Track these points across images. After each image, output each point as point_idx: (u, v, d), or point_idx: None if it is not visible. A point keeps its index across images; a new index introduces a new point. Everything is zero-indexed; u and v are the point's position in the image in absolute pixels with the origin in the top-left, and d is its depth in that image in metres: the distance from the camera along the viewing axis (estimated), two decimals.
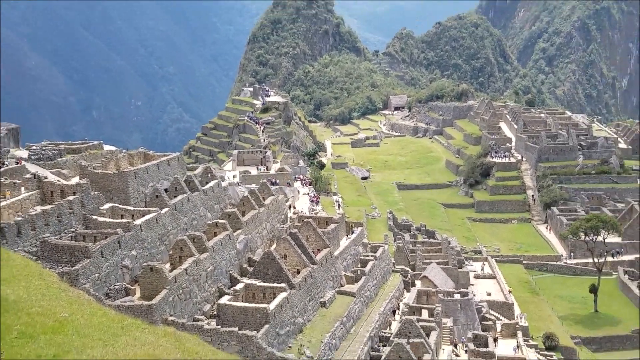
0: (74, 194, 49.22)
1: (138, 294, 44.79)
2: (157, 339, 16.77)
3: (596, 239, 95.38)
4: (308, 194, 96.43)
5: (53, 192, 49.73)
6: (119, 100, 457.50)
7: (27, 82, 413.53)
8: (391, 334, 57.83)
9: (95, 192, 51.17)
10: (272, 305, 46.58)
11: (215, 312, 47.33)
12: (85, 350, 15.79)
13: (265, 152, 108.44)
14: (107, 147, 67.33)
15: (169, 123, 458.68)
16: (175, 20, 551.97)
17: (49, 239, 44.04)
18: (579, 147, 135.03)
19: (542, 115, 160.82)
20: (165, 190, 55.29)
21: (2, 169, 50.98)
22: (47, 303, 18.94)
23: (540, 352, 71.67)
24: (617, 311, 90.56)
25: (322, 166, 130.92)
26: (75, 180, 53.98)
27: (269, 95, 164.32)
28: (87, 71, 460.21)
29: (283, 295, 48.49)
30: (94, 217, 48.63)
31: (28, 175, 50.54)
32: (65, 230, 46.66)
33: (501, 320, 73.11)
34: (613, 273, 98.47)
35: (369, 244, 74.36)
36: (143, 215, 50.26)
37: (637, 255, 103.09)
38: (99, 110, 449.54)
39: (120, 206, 51.38)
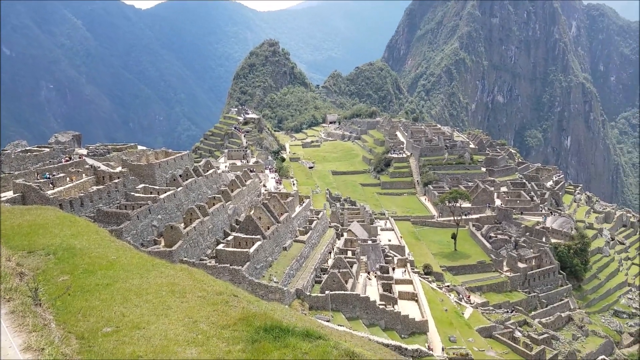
0: (118, 178, 48.23)
1: (163, 244, 43.93)
2: (176, 273, 16.67)
3: (455, 204, 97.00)
4: (274, 178, 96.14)
5: (104, 177, 48.71)
6: (147, 116, 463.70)
7: (85, 104, 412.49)
8: (328, 266, 58.03)
9: (133, 177, 50.16)
10: (251, 250, 46.40)
11: (214, 255, 46.90)
12: (128, 280, 15.70)
13: (246, 151, 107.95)
14: (140, 147, 65.81)
15: (182, 131, 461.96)
16: (185, 64, 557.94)
17: (102, 208, 42.87)
18: (445, 147, 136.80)
19: (423, 127, 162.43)
20: (180, 175, 54.54)
21: (70, 162, 50.23)
22: (102, 250, 18.64)
23: (421, 276, 72.70)
24: (468, 249, 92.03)
25: (283, 160, 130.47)
26: (119, 169, 52.93)
27: (248, 114, 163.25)
28: (125, 97, 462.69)
29: (258, 243, 48.32)
30: (132, 193, 47.60)
31: (87, 166, 49.55)
32: (113, 202, 45.53)
33: (397, 256, 73.98)
34: (465, 226, 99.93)
35: (314, 210, 74.56)
36: (165, 192, 49.40)
37: (480, 215, 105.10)
38: (134, 122, 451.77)
39: (149, 186, 50.42)
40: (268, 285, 43.52)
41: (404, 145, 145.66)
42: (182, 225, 46.95)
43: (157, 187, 50.65)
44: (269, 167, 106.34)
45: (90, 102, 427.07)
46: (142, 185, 50.07)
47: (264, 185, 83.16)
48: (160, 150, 62.52)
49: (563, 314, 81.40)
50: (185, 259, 41.42)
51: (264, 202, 58.32)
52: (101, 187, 45.55)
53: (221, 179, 63.86)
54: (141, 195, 47.83)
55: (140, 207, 44.45)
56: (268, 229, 53.17)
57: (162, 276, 16.05)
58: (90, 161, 52.83)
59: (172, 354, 11.09)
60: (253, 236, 49.57)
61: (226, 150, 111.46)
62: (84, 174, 48.01)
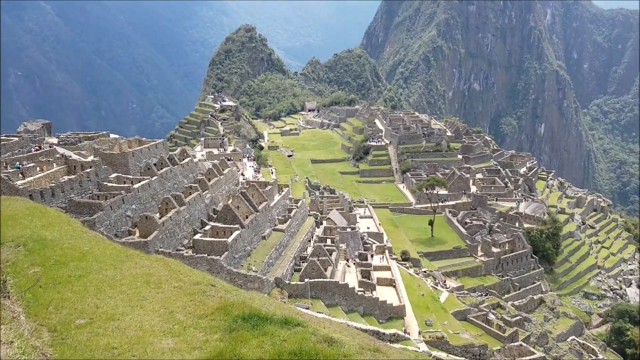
0: (90, 167, 47.27)
1: (138, 234, 43.34)
2: (151, 263, 16.46)
3: (432, 191, 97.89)
4: (252, 166, 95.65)
5: (76, 166, 47.59)
6: (119, 104, 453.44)
7: (55, 91, 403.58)
8: (308, 254, 58.13)
9: (105, 166, 49.17)
10: (229, 239, 46.13)
11: (191, 245, 46.49)
12: (102, 271, 15.39)
13: (223, 139, 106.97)
14: (112, 136, 64.51)
15: (156, 119, 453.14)
16: (159, 49, 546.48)
17: (74, 198, 42.05)
18: (422, 135, 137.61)
19: (401, 115, 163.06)
20: (154, 164, 53.62)
21: (40, 151, 48.93)
22: (74, 241, 18.28)
23: (399, 262, 73.40)
24: (444, 236, 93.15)
25: (261, 148, 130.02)
26: (91, 158, 51.81)
27: (225, 101, 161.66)
28: (97, 84, 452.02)
29: (237, 232, 48.06)
30: (105, 183, 46.74)
31: (58, 155, 48.39)
32: (85, 192, 44.68)
33: (376, 243, 74.49)
34: (442, 212, 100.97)
35: (293, 198, 74.44)
36: (139, 182, 48.58)
37: (457, 201, 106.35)
38: (106, 110, 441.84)
39: (123, 175, 49.51)
40: (247, 275, 43.40)
41: (383, 133, 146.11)
42: (158, 215, 46.32)
43: (130, 177, 49.66)
44: (247, 155, 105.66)
45: (60, 90, 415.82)
46: (115, 174, 49.08)
47: (242, 174, 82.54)
48: (133, 139, 61.37)
49: (535, 297, 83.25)
50: (161, 249, 40.96)
51: (242, 191, 57.93)
52: (73, 176, 44.61)
53: (198, 168, 63.08)
54: (114, 185, 46.85)
55: (114, 197, 43.55)
56: (246, 218, 52.89)
57: (137, 267, 15.85)
58: (61, 150, 51.55)
59: (148, 345, 10.99)
60: (231, 225, 49.24)
61: (202, 139, 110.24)
62: (54, 164, 46.88)
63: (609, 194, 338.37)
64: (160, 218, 45.00)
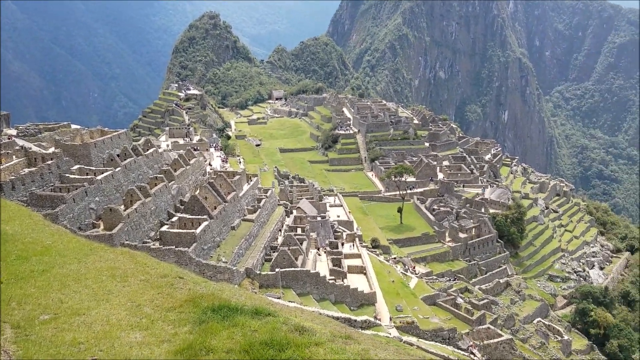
0: (52, 159, 45.88)
1: (102, 227, 42.44)
2: (116, 256, 16.15)
3: (401, 179, 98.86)
4: (220, 156, 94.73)
5: (36, 158, 46.07)
6: (80, 93, 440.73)
7: (12, 81, 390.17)
8: (278, 244, 58.04)
9: (67, 158, 47.80)
10: (198, 230, 45.67)
11: (158, 237, 45.83)
12: (65, 265, 15.03)
13: (189, 129, 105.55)
14: (74, 126, 62.72)
15: (118, 109, 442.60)
16: (120, 37, 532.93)
17: (35, 191, 40.85)
18: (390, 123, 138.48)
19: (369, 103, 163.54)
20: (118, 155, 52.51)
21: None
22: (36, 235, 17.77)
23: (369, 249, 74.02)
24: (413, 222, 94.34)
25: (228, 137, 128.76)
26: (52, 149, 50.37)
27: (190, 89, 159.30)
28: (56, 73, 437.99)
29: (205, 223, 47.59)
30: (67, 175, 45.49)
31: (17, 147, 46.69)
32: (47, 185, 43.43)
33: (346, 232, 74.90)
34: (410, 200, 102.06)
35: (262, 188, 74.09)
36: (102, 173, 47.48)
37: (424, 188, 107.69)
38: (67, 100, 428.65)
39: (85, 167, 48.27)
40: (216, 266, 43.06)
41: (351, 121, 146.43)
42: (122, 207, 45.42)
43: (93, 168, 48.45)
44: (214, 145, 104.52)
45: (18, 79, 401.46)
46: (77, 166, 47.80)
47: (210, 164, 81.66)
48: (95, 129, 59.85)
49: (501, 280, 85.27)
50: (127, 242, 40.23)
51: (209, 182, 57.29)
52: (33, 169, 43.26)
53: (163, 158, 62.03)
54: (76, 176, 45.61)
55: (76, 189, 42.47)
56: (215, 208, 52.39)
57: (102, 260, 15.53)
58: (20, 142, 49.86)
59: (115, 339, 10.77)
60: (199, 216, 48.70)
61: (167, 128, 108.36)
62: (14, 156, 45.29)
63: (571, 179, 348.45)
64: (125, 210, 44.13)
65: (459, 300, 67.23)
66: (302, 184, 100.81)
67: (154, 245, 42.52)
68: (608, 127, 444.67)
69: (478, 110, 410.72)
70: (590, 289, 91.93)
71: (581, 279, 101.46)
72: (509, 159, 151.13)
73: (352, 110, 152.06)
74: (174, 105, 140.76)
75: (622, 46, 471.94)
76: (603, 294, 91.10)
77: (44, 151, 48.56)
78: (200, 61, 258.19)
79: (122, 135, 58.80)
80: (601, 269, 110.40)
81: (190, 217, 48.62)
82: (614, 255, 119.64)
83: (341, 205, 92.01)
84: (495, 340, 56.44)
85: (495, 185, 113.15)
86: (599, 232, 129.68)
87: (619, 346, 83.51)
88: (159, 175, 53.61)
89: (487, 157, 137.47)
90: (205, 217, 48.59)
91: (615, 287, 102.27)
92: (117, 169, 49.13)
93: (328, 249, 64.06)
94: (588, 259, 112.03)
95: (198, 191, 56.21)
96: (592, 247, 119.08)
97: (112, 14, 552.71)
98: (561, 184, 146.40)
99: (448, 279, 77.91)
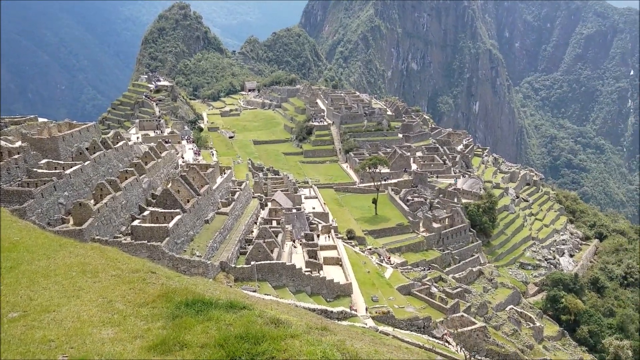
0: (18, 153, 44.70)
1: (72, 222, 41.58)
2: (86, 252, 15.84)
3: (375, 170, 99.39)
4: (192, 148, 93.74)
5: (2, 153, 44.81)
6: (47, 86, 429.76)
7: None
8: (253, 237, 57.84)
9: (34, 152, 46.65)
10: (170, 224, 45.15)
11: (130, 232, 45.15)
12: (34, 261, 14.72)
13: (160, 121, 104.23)
14: (41, 119, 61.21)
15: (87, 101, 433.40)
16: (87, 27, 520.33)
17: (2, 186, 39.75)
18: (364, 114, 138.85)
19: (342, 94, 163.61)
20: (87, 148, 51.46)
21: None
22: (3, 231, 17.30)
23: (344, 241, 74.34)
24: (388, 213, 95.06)
25: (201, 130, 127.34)
26: (18, 144, 49.02)
27: (160, 81, 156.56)
28: (22, 65, 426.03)
29: (178, 217, 47.09)
30: (35, 169, 44.39)
31: None
32: (14, 180, 42.30)
33: (321, 223, 75.01)
34: (385, 191, 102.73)
35: (236, 181, 73.67)
36: (71, 167, 46.47)
37: (398, 179, 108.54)
38: (33, 93, 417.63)
39: (53, 161, 47.17)
40: (190, 260, 42.65)
41: (325, 113, 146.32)
42: (92, 201, 44.57)
43: (61, 162, 47.34)
44: (186, 137, 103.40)
45: None
46: (45, 160, 46.67)
47: (182, 157, 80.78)
48: (63, 122, 58.51)
49: (474, 269, 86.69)
50: (97, 237, 39.57)
51: (182, 175, 56.56)
52: None
53: (133, 151, 61.07)
54: (44, 171, 44.54)
55: (44, 184, 41.49)
56: (188, 202, 51.83)
57: (72, 256, 15.21)
58: None
59: (86, 336, 10.55)
60: (172, 210, 48.13)
61: (137, 121, 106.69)
62: None
63: (541, 168, 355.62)
64: (95, 205, 43.32)
65: (433, 290, 68.12)
66: (277, 176, 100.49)
67: (125, 240, 41.91)
68: (576, 117, 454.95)
69: (450, 101, 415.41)
70: (560, 276, 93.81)
71: (552, 266, 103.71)
72: (480, 150, 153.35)
73: (326, 101, 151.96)
74: (143, 97, 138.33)
75: (590, 37, 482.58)
76: (573, 281, 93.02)
77: (11, 145, 47.23)
78: (171, 52, 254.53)
79: (91, 128, 57.65)
80: (571, 256, 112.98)
81: (163, 211, 48.02)
82: (583, 242, 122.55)
83: (316, 197, 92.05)
84: (469, 328, 57.39)
85: (467, 176, 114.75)
86: (568, 220, 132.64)
87: (589, 332, 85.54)
88: (129, 169, 52.79)
89: (459, 147, 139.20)
90: (178, 210, 48.04)
91: (584, 274, 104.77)
92: (86, 163, 48.17)
93: (304, 240, 64.09)
94: (558, 246, 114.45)
95: (170, 184, 55.47)
96: (562, 235, 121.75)
97: (79, 4, 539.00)
98: (531, 174, 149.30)
99: (422, 268, 78.82)
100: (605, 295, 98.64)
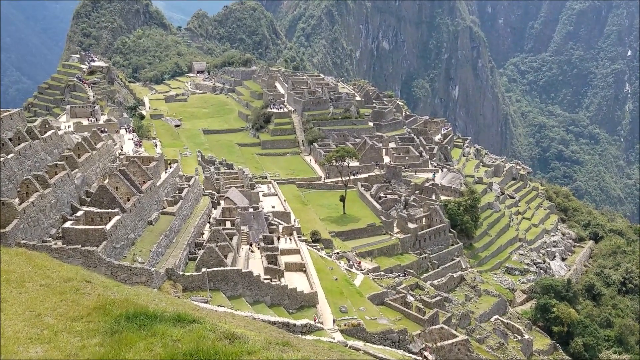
0: None
1: None
2: (11, 258, 15.59)
3: (343, 163, 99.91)
4: (132, 139, 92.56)
5: None
6: None
7: None
8: (204, 240, 57.60)
9: None
10: (108, 226, 44.59)
11: (61, 234, 44.39)
12: None
13: (94, 107, 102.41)
14: None
15: (9, 84, 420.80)
16: (9, 1, 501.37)
17: None
18: (330, 100, 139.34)
19: (304, 77, 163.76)
20: (10, 139, 50.17)
21: None
22: None
23: (309, 244, 74.63)
24: (357, 212, 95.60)
25: (142, 117, 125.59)
26: None
27: (94, 61, 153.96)
28: None
29: (117, 218, 46.51)
30: None
31: None
32: None
33: (282, 224, 75.13)
34: (354, 187, 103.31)
35: (184, 176, 73.12)
36: None
37: (369, 174, 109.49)
38: None
39: None
40: (131, 267, 42.25)
41: (285, 98, 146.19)
42: (17, 200, 43.59)
43: None
44: (125, 126, 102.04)
45: None
46: None
47: (120, 149, 79.81)
48: None
49: (455, 275, 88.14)
50: (24, 241, 38.80)
51: (121, 169, 55.90)
52: None
53: (64, 142, 59.94)
54: None
55: None
56: (128, 200, 51.25)
57: None
58: None
59: (12, 355, 10.39)
60: (109, 210, 47.55)
61: (68, 107, 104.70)
62: None
63: (529, 161, 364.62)
64: (20, 204, 42.43)
65: (410, 299, 69.10)
66: (231, 170, 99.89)
67: (55, 244, 41.16)
68: (568, 103, 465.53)
69: (426, 85, 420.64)
70: (551, 282, 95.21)
71: (541, 271, 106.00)
72: (460, 140, 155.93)
73: (286, 85, 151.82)
74: (75, 79, 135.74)
75: (582, 12, 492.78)
76: (566, 288, 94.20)
77: None
78: (106, 28, 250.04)
79: (15, 115, 56.22)
80: (563, 259, 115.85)
81: (99, 210, 47.39)
82: (577, 244, 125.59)
83: (276, 194, 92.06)
84: (450, 341, 58.36)
85: (446, 170, 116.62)
86: (559, 220, 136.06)
87: (584, 345, 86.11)
88: (59, 163, 51.76)
89: (437, 137, 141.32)
90: (116, 210, 47.47)
91: (578, 279, 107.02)
92: (9, 156, 47.02)
93: (262, 244, 64.11)
94: (548, 249, 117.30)
95: (107, 180, 54.63)
96: (553, 235, 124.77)
97: None
98: (518, 167, 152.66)
99: (397, 274, 79.75)
100: (601, 303, 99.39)
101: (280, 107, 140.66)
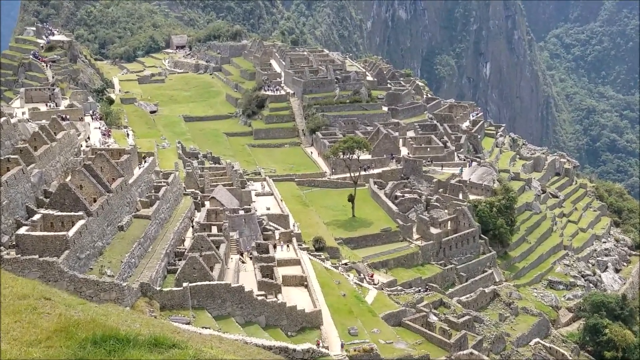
0: None
1: None
2: None
3: (352, 157, 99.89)
4: (99, 128, 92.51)
5: None
6: None
7: None
8: (185, 249, 57.62)
9: None
10: (71, 233, 44.63)
11: (14, 243, 44.43)
12: None
13: (54, 90, 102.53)
14: None
15: None
16: None
17: None
18: (336, 80, 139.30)
19: (305, 53, 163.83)
20: None
21: None
22: None
23: (311, 253, 74.64)
24: (369, 214, 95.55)
25: (111, 102, 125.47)
26: None
27: (53, 35, 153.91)
28: None
29: (81, 222, 46.58)
30: None
31: None
32: None
33: (279, 229, 75.16)
34: (365, 184, 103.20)
35: (161, 172, 73.18)
36: None
37: (383, 169, 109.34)
38: None
39: None
40: (99, 281, 42.33)
41: (282, 78, 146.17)
42: None
43: None
44: (91, 112, 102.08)
45: None
46: None
47: (85, 140, 79.91)
48: None
49: (487, 290, 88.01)
50: None
51: (85, 164, 56.00)
52: None
53: (17, 132, 59.92)
54: None
55: None
56: (94, 201, 51.39)
57: None
58: None
59: None
60: (72, 213, 47.66)
61: (22, 90, 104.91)
62: None
63: (575, 153, 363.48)
64: None
65: (433, 318, 69.02)
66: (217, 165, 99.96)
67: (8, 254, 41.30)
68: (622, 83, 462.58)
69: (451, 62, 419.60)
70: (603, 298, 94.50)
71: (591, 285, 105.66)
72: (493, 128, 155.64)
73: (284, 63, 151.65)
74: (31, 56, 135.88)
75: None
76: (620, 305, 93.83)
77: None
78: None
79: None
80: (617, 271, 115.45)
81: (60, 214, 47.49)
82: (633, 252, 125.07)
83: (272, 194, 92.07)
84: None
85: (476, 163, 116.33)
86: (612, 223, 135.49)
87: None
88: (12, 156, 51.82)
89: (465, 125, 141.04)
90: (80, 213, 47.58)
91: (635, 295, 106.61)
92: None
93: (255, 253, 64.10)
94: (599, 258, 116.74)
95: (69, 177, 54.74)
96: (604, 242, 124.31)
97: None
98: (562, 160, 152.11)
99: (417, 289, 79.70)
100: None
101: (277, 89, 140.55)
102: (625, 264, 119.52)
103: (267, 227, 74.28)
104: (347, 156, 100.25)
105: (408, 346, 57.35)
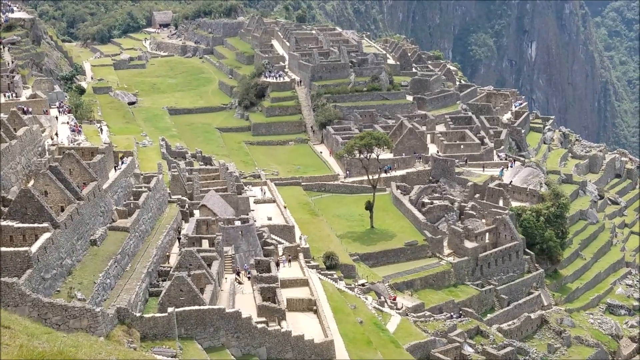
0: None
1: None
2: None
3: (370, 156, 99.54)
4: (68, 122, 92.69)
5: None
6: None
7: None
8: (171, 267, 57.46)
9: None
10: (34, 248, 44.62)
11: None
12: None
13: (13, 77, 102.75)
14: None
15: None
16: None
17: None
18: (350, 64, 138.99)
19: (314, 32, 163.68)
20: None
21: None
22: None
23: (321, 272, 74.34)
24: (391, 225, 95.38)
25: (82, 91, 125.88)
26: None
27: (12, 11, 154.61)
28: None
29: (46, 235, 46.53)
30: None
31: None
32: None
33: (283, 243, 74.82)
34: (386, 189, 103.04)
35: (142, 175, 73.21)
36: None
37: (408, 170, 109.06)
38: None
39: None
40: (68, 306, 42.30)
41: (286, 62, 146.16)
42: None
43: None
44: (58, 104, 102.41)
45: None
46: None
47: (52, 137, 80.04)
48: None
49: (533, 315, 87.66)
50: None
51: (51, 166, 56.06)
52: None
53: None
54: None
55: None
56: (62, 210, 51.40)
57: None
58: None
59: None
60: (36, 224, 47.71)
61: None
62: None
63: (638, 150, 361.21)
64: None
65: (468, 349, 68.69)
66: (209, 166, 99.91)
67: None
68: None
69: (489, 42, 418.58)
70: None
71: None
72: (539, 120, 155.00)
73: (288, 44, 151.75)
74: None
75: None
76: None
77: None
78: None
79: None
80: None
81: (20, 225, 47.53)
82: None
83: (274, 201, 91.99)
84: None
85: (519, 163, 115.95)
86: None
87: None
88: None
89: (506, 117, 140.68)
90: (45, 225, 47.61)
91: None
92: None
93: (254, 272, 63.95)
94: None
95: (32, 182, 54.86)
96: None
97: None
98: (623, 159, 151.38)
99: (449, 315, 79.42)
100: None
101: (280, 76, 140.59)
102: None
103: (269, 240, 73.96)
104: (364, 155, 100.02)
105: None
